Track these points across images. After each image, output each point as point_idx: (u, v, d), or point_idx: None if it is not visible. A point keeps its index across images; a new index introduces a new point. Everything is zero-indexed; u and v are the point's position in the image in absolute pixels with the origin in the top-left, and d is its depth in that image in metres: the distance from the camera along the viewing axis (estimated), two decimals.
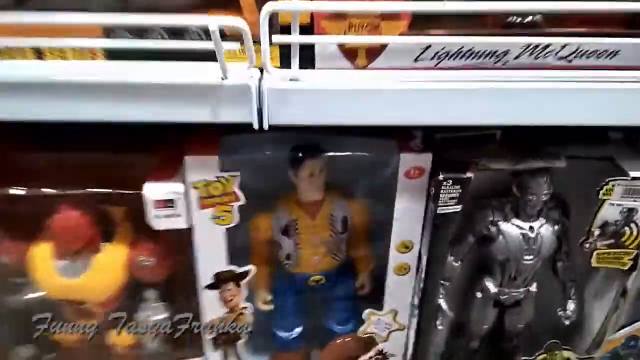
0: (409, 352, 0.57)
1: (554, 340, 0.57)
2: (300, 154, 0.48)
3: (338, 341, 0.58)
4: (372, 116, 0.40)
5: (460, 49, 0.38)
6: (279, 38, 0.36)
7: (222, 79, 0.38)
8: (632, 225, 0.47)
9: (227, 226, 0.47)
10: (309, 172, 0.49)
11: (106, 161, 0.49)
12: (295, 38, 0.37)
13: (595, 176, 0.46)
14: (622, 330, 0.55)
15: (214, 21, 0.33)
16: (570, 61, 0.39)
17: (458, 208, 0.46)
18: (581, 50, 0.39)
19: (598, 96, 0.39)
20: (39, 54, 0.39)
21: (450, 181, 0.44)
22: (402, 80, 0.38)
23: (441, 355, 0.59)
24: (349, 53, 0.38)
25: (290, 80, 0.38)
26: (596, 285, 0.55)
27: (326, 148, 0.47)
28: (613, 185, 0.45)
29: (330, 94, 0.39)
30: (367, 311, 0.55)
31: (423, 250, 0.50)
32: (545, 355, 0.58)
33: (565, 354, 0.57)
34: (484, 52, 0.38)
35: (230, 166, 0.44)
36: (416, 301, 0.53)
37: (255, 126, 0.40)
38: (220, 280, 0.50)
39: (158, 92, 0.38)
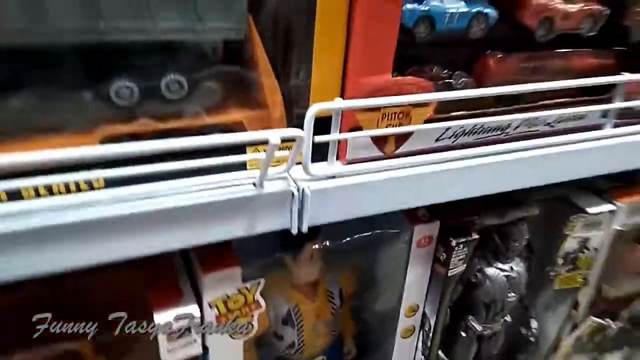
0: None
1: (522, 355, 0.64)
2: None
3: None
4: (405, 200, 0.39)
5: (474, 126, 0.40)
6: (322, 138, 0.34)
7: (258, 186, 0.34)
8: (585, 250, 0.55)
9: (246, 338, 0.42)
10: (309, 254, 0.47)
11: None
12: (337, 136, 0.35)
13: (555, 215, 0.53)
14: (573, 334, 0.64)
15: (275, 135, 0.30)
16: (553, 126, 0.44)
17: (464, 267, 0.48)
18: (561, 117, 0.44)
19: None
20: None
21: (461, 245, 0.46)
22: (429, 163, 0.39)
23: None
24: (380, 141, 0.38)
25: (329, 178, 0.36)
26: (550, 302, 0.62)
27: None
28: (575, 222, 0.52)
29: (365, 186, 0.37)
30: None
31: (427, 310, 0.51)
32: None
33: None
34: (492, 127, 0.41)
35: (254, 273, 0.39)
36: (420, 357, 0.54)
37: (294, 231, 0.36)
38: None
39: (186, 214, 0.32)
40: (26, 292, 0.36)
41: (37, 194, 0.30)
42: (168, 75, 0.31)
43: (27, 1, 0.25)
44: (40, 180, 0.28)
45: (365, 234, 0.45)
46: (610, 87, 0.44)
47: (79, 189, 0.31)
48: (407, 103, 0.36)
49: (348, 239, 0.45)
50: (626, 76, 0.43)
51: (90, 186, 0.31)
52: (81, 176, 0.30)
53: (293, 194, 0.35)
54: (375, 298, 0.52)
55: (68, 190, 0.30)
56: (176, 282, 0.40)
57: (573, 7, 0.40)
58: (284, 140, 0.31)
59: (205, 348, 0.41)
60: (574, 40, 0.43)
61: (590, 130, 0.45)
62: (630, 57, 0.46)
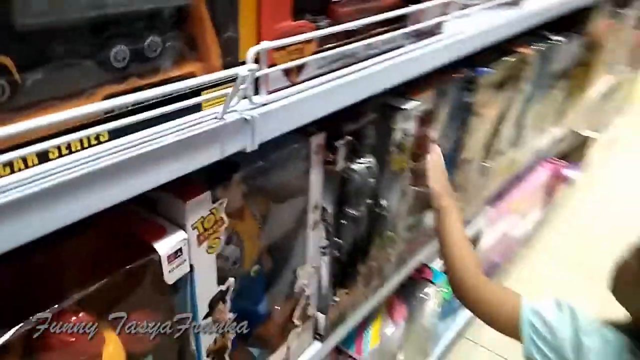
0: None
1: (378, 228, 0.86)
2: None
3: None
4: (311, 114, 0.54)
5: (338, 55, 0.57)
6: (261, 72, 0.46)
7: (220, 119, 0.45)
8: (404, 136, 0.79)
9: (216, 252, 0.52)
10: (236, 183, 0.58)
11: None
12: (267, 70, 0.47)
13: (385, 116, 0.74)
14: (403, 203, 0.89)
15: (243, 69, 0.41)
16: (381, 49, 0.64)
17: (345, 163, 0.66)
18: (385, 42, 0.64)
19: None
20: None
21: (342, 145, 0.63)
22: (318, 84, 0.54)
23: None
24: (288, 73, 0.51)
25: (264, 105, 0.48)
26: (389, 182, 0.86)
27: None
28: (397, 118, 0.74)
29: (287, 107, 0.51)
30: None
31: (325, 204, 0.68)
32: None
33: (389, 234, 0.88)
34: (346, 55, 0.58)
35: (219, 195, 0.50)
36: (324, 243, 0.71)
37: (249, 149, 0.48)
38: (212, 307, 0.54)
39: (170, 150, 0.41)
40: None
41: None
42: (148, 38, 0.39)
43: None
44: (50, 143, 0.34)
45: (275, 153, 0.58)
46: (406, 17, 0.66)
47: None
48: (303, 40, 0.50)
49: (261, 162, 0.57)
50: (412, 7, 0.65)
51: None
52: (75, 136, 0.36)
53: (246, 119, 0.46)
54: (287, 204, 0.66)
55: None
56: (153, 221, 0.48)
57: None
58: (222, 83, 0.42)
59: (191, 266, 0.50)
60: None
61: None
62: None
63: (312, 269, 0.72)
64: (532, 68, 1.14)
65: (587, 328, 0.64)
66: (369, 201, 0.80)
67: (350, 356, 0.94)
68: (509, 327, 0.70)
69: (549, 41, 1.22)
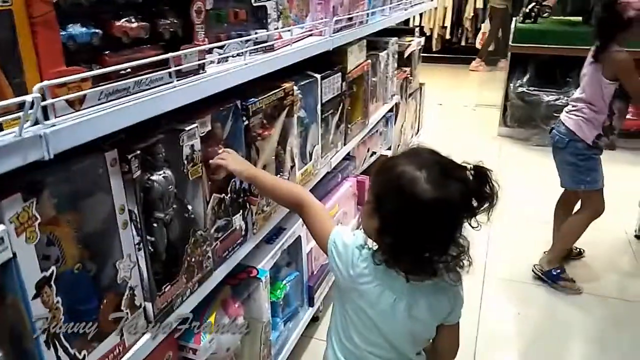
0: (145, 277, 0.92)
1: (191, 230, 1.07)
2: None
3: None
4: (96, 132, 0.74)
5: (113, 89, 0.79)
6: (45, 102, 0.66)
7: (18, 135, 0.63)
8: (194, 151, 1.02)
9: (35, 243, 0.68)
10: (45, 199, 0.75)
11: None
12: (49, 101, 0.67)
13: (173, 139, 0.97)
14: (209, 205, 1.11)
15: (31, 96, 0.61)
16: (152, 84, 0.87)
17: (140, 172, 0.86)
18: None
19: None
20: None
21: (134, 158, 0.84)
22: (102, 110, 0.75)
23: None
24: (71, 103, 0.71)
25: (55, 125, 0.68)
26: (191, 190, 1.07)
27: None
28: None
29: (72, 127, 0.70)
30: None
31: (130, 207, 0.87)
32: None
33: (200, 234, 1.08)
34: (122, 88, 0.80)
35: (29, 196, 0.66)
36: (137, 240, 0.89)
37: (46, 158, 0.66)
38: (40, 288, 0.69)
39: None
40: None
41: None
42: None
43: None
44: None
45: (76, 166, 0.77)
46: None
47: None
48: (75, 80, 0.71)
49: (63, 173, 0.75)
50: (168, 54, 0.90)
51: None
52: None
53: (40, 135, 0.65)
54: (98, 207, 0.83)
55: None
56: None
57: (134, 25, 0.83)
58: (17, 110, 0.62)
59: (14, 254, 0.65)
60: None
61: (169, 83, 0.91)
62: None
63: (131, 262, 0.89)
64: (298, 98, 1.48)
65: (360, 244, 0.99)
66: (175, 206, 1.00)
67: (190, 348, 1.10)
68: (323, 245, 1.04)
69: (309, 77, 1.59)
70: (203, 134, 1.05)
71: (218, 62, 1.13)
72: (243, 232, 1.26)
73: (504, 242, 2.65)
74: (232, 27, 1.18)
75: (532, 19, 4.44)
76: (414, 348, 1.02)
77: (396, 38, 2.70)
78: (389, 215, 0.89)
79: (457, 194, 0.85)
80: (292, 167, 1.50)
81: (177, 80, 0.93)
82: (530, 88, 4.20)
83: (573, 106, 2.19)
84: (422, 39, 3.51)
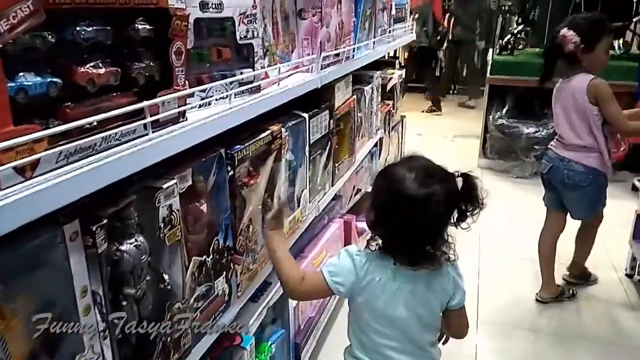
0: None
1: (168, 302, 0.91)
2: None
3: None
4: (50, 205, 0.60)
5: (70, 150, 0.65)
6: None
7: None
8: (173, 212, 0.88)
9: None
10: None
11: None
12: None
13: (148, 197, 0.83)
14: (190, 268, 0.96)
15: None
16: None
17: (106, 245, 0.71)
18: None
19: None
20: None
21: (99, 229, 0.69)
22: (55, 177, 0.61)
23: None
24: (20, 170, 0.57)
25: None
26: (169, 257, 0.92)
27: None
28: (159, 196, 0.83)
29: (23, 199, 0.56)
30: None
31: (94, 287, 0.71)
32: None
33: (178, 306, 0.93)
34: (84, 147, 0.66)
35: None
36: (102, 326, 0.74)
37: None
38: None
39: None
40: None
41: None
42: None
43: None
44: None
45: (26, 247, 0.62)
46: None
47: None
48: (25, 142, 0.57)
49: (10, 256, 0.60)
50: (144, 103, 0.76)
51: None
52: None
53: None
54: (53, 293, 0.68)
55: None
56: None
57: (102, 70, 0.70)
58: None
59: None
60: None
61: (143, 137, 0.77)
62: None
63: (94, 354, 0.73)
64: (287, 140, 1.36)
65: (356, 253, 1.09)
66: (149, 278, 0.85)
67: None
68: (324, 290, 1.10)
69: (296, 117, 1.47)
70: (183, 190, 0.91)
71: (200, 107, 1.00)
72: (226, 297, 1.11)
73: (492, 280, 2.56)
74: (215, 67, 1.06)
75: (509, 51, 4.47)
76: (425, 336, 1.12)
77: (380, 72, 2.63)
78: (381, 209, 1.06)
79: (439, 192, 0.99)
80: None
81: (154, 132, 0.80)
82: (510, 120, 4.19)
83: (580, 146, 2.14)
84: (403, 71, 3.47)
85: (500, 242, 2.92)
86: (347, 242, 2.26)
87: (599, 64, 2.02)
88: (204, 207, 0.99)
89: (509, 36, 4.66)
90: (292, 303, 1.61)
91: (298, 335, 1.68)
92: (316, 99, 1.68)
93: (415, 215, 1.00)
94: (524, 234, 2.96)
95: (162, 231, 0.86)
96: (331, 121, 1.75)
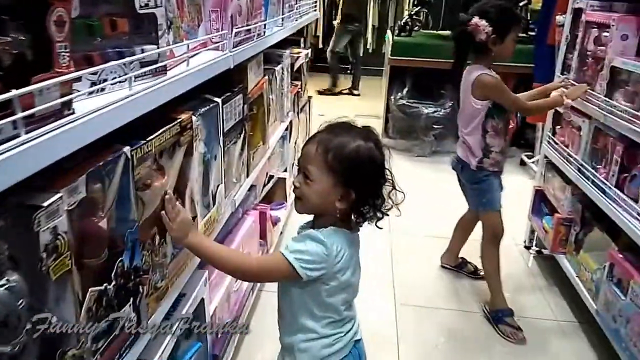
0: None
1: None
2: None
3: None
4: None
5: None
6: None
7: None
8: (59, 236, 0.66)
9: None
10: None
11: None
12: None
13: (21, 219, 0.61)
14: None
15: None
16: None
17: None
18: None
19: None
20: None
21: None
22: None
23: None
24: None
25: None
26: (54, 293, 0.71)
27: None
28: (40, 218, 0.61)
29: None
30: None
31: None
32: None
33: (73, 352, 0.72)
34: None
35: None
36: None
37: None
38: None
39: None
40: None
41: None
42: None
43: None
44: None
45: None
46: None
47: None
48: None
49: None
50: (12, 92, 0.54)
51: None
52: None
53: None
54: None
55: None
56: None
57: None
58: None
59: None
60: None
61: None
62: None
63: None
64: (198, 130, 1.16)
65: (323, 237, 1.05)
66: (29, 326, 0.63)
67: None
68: (287, 275, 1.04)
69: (208, 102, 1.27)
70: (73, 206, 0.70)
71: (90, 94, 0.78)
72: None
73: (404, 259, 2.59)
74: (108, 43, 0.84)
75: (407, 32, 4.53)
76: None
77: (289, 50, 2.46)
78: (358, 180, 1.06)
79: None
80: (194, 219, 1.17)
81: (28, 132, 0.58)
82: (410, 100, 4.27)
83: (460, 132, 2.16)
84: (309, 50, 3.33)
85: (407, 219, 2.95)
86: (262, 234, 2.11)
87: (507, 53, 2.02)
88: (103, 223, 0.78)
89: (406, 17, 4.72)
90: (210, 310, 1.44)
91: (216, 345, 1.50)
92: (228, 81, 1.48)
93: (380, 175, 1.09)
94: (428, 211, 3.03)
95: (44, 263, 0.64)
96: (245, 106, 1.56)
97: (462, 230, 2.46)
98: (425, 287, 2.39)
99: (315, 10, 3.42)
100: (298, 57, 2.86)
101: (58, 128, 0.63)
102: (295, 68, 2.85)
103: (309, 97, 3.50)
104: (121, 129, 0.80)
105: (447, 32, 4.67)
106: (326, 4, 7.11)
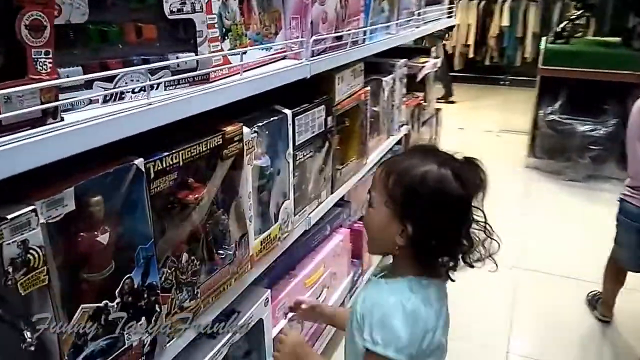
0: None
1: None
2: None
3: None
4: None
5: None
6: None
7: None
8: (30, 250, 0.63)
9: None
10: None
11: None
12: None
13: None
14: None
15: None
16: None
17: None
18: None
19: None
20: None
21: None
22: None
23: None
24: None
25: None
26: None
27: None
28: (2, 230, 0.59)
29: None
30: None
31: None
32: None
33: None
34: None
35: None
36: None
37: None
38: None
39: None
40: None
41: None
42: None
43: None
44: None
45: None
46: None
47: None
48: None
49: None
50: None
51: None
52: None
53: None
54: None
55: None
56: None
57: None
58: None
59: None
60: None
61: None
62: None
63: None
64: (255, 142, 1.09)
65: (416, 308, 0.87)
66: None
67: None
68: None
69: (275, 114, 1.20)
70: (59, 218, 0.67)
71: (105, 102, 0.75)
72: (146, 347, 0.86)
73: (529, 302, 2.21)
74: (133, 50, 0.80)
75: (564, 39, 3.98)
76: None
77: (405, 60, 2.29)
78: (416, 212, 0.89)
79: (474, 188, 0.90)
80: (243, 236, 1.10)
81: None
82: (563, 116, 3.73)
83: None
84: (439, 60, 3.10)
85: (543, 254, 2.55)
86: (355, 254, 1.98)
87: None
88: (103, 238, 0.75)
89: (565, 22, 4.15)
90: (272, 333, 1.36)
91: None
92: (311, 92, 1.40)
93: (455, 211, 0.90)
94: (569, 246, 2.59)
95: (10, 277, 0.61)
96: (329, 118, 1.46)
97: (613, 277, 2.03)
98: (546, 338, 2.01)
99: (450, 17, 3.18)
100: (423, 67, 2.67)
101: (35, 136, 0.60)
102: (419, 78, 2.66)
103: (437, 110, 3.26)
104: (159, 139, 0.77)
105: (613, 39, 3.99)
106: (480, 12, 6.70)
